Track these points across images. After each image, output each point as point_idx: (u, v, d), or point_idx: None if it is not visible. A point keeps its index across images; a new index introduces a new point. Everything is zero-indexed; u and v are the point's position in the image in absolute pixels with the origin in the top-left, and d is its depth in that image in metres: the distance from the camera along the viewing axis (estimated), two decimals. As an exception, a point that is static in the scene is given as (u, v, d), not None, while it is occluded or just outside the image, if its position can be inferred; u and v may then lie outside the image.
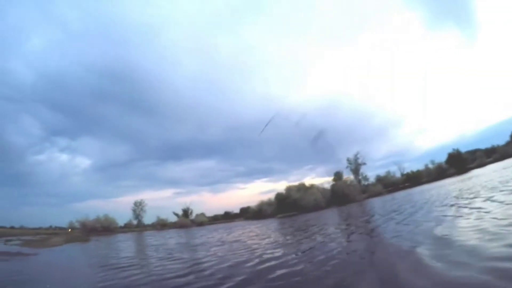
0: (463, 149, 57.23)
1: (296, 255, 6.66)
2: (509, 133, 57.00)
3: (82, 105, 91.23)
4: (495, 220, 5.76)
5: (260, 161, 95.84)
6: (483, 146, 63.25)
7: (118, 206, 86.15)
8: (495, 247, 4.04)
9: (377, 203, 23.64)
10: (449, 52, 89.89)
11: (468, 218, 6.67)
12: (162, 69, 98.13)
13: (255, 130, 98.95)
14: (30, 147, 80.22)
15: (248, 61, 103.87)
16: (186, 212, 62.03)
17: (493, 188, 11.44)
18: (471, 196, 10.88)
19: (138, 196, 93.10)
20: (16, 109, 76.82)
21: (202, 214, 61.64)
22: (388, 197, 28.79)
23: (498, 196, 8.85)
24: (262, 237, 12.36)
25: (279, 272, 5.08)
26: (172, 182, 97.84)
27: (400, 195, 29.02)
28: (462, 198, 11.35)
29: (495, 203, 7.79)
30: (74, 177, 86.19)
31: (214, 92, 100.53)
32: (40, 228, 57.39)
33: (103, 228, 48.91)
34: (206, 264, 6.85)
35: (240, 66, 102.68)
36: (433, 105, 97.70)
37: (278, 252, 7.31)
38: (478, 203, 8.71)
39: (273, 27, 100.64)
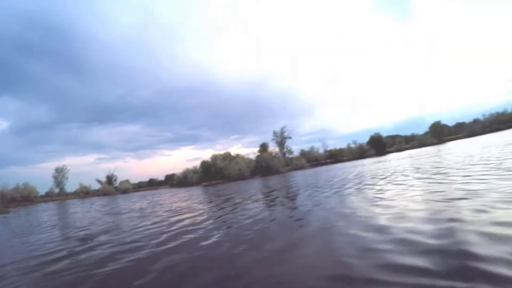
0: (384, 134, 64.10)
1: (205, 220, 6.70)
2: (429, 125, 65.58)
3: (-1, 57, 69.59)
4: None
5: (188, 128, 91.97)
6: (404, 133, 72.13)
7: (39, 173, 76.61)
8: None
9: (298, 176, 23.60)
10: (383, 38, 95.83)
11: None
12: (96, 25, 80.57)
13: (186, 96, 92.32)
14: None
15: (185, 23, 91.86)
16: (110, 179, 57.16)
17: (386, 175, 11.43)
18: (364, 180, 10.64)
19: (60, 162, 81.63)
20: None
21: (127, 181, 56.69)
22: (310, 171, 29.99)
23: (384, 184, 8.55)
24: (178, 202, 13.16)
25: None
26: (96, 147, 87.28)
27: (320, 169, 30.29)
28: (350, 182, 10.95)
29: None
30: (-11, 141, 70.57)
31: (148, 55, 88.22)
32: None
33: (22, 198, 43.71)
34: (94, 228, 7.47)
35: (176, 29, 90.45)
36: (363, 90, 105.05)
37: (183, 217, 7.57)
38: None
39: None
